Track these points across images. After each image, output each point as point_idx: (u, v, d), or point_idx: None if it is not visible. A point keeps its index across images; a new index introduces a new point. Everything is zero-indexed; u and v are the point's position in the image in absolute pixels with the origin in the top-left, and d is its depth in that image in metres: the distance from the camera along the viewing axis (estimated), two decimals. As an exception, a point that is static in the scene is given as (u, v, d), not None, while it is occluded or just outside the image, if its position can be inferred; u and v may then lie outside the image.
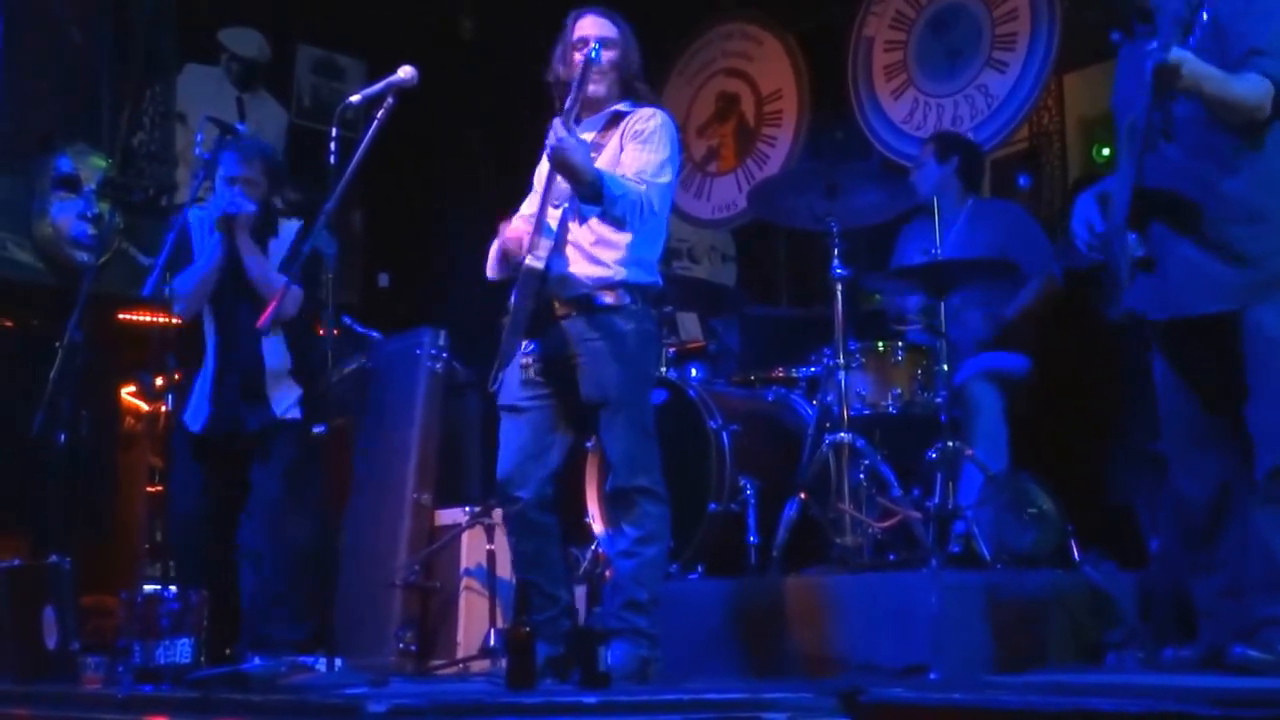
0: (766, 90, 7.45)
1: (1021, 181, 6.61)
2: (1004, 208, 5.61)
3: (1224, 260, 3.50)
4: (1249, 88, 3.41)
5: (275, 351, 4.96)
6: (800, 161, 7.11)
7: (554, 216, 4.00)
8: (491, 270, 4.16)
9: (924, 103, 6.68)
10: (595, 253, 3.99)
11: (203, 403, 4.97)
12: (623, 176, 3.92)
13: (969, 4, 6.57)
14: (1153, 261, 3.55)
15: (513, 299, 3.97)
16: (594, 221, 3.97)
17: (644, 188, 3.93)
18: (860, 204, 4.82)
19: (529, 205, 4.24)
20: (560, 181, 3.95)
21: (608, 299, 3.97)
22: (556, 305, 3.97)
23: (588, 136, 4.06)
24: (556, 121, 3.87)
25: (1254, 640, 3.38)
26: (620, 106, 4.12)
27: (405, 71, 4.07)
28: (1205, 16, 3.36)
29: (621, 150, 4.02)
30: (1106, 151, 6.14)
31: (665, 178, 4.01)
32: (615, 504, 4.00)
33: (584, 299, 3.97)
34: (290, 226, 5.07)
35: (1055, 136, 6.60)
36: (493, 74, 7.59)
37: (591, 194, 3.84)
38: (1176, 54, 3.31)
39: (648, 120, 4.06)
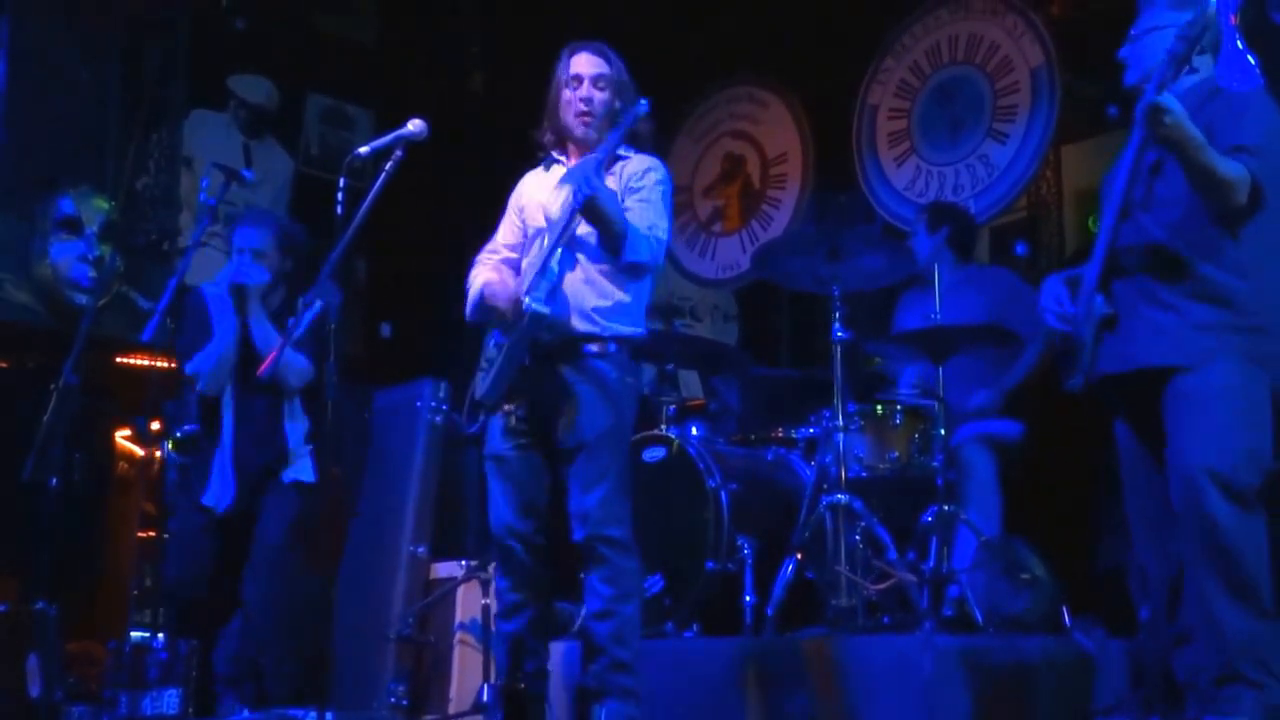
0: (772, 153, 7.51)
1: (1019, 249, 6.65)
2: (998, 275, 5.66)
3: (1180, 322, 3.59)
4: (1229, 168, 3.48)
5: (295, 424, 4.95)
6: (804, 224, 7.16)
7: (553, 259, 3.92)
8: (472, 314, 4.16)
9: (926, 170, 6.75)
10: (592, 302, 3.96)
11: (226, 485, 4.92)
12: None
13: (972, 75, 6.65)
14: (1116, 318, 3.66)
15: (500, 339, 3.98)
16: (595, 270, 3.96)
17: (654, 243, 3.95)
18: (862, 268, 4.85)
19: (505, 236, 4.23)
20: (577, 226, 3.90)
21: (594, 347, 3.95)
22: (545, 350, 3.93)
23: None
24: (589, 163, 3.84)
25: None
26: (620, 151, 4.06)
27: (415, 125, 4.06)
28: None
29: (621, 199, 3.96)
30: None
31: (665, 234, 4.03)
32: (585, 556, 3.89)
33: (573, 346, 3.94)
34: (311, 310, 5.01)
35: (1053, 206, 6.65)
36: (501, 128, 7.62)
37: (615, 244, 3.86)
38: (1169, 100, 3.39)
39: (647, 174, 4.05)
